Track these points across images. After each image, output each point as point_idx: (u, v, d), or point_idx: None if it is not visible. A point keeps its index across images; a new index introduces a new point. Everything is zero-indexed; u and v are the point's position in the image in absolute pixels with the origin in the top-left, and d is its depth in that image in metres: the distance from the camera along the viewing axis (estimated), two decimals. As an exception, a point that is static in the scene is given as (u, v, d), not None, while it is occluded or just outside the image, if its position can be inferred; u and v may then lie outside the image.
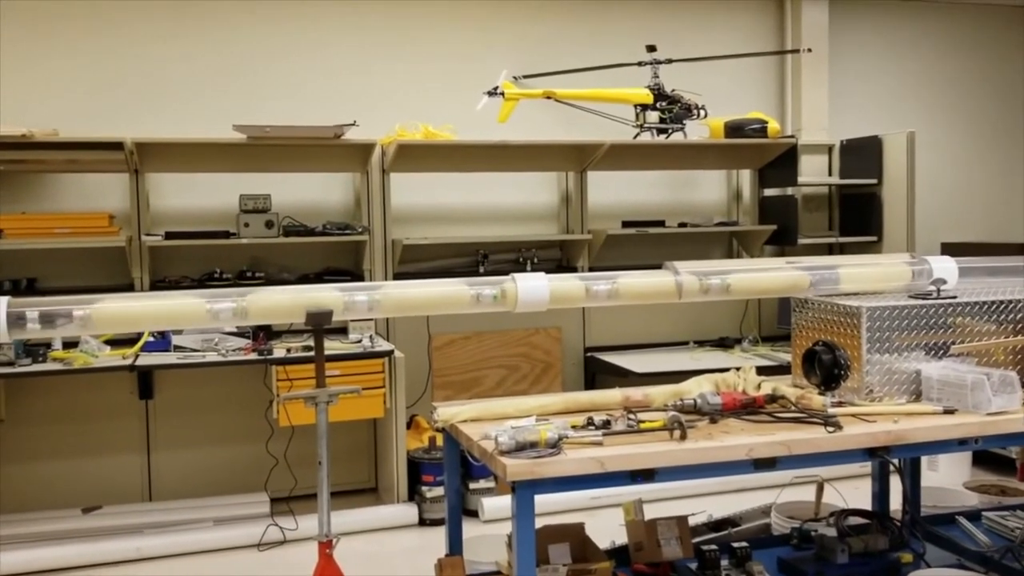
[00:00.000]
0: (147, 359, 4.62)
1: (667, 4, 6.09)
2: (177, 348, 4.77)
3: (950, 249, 5.89)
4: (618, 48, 5.78)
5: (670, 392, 3.07)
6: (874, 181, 6.13)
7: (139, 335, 4.69)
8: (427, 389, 5.59)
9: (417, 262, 5.53)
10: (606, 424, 2.72)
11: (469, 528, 3.51)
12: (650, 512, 3.52)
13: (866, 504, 3.92)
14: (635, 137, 5.55)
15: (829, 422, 2.71)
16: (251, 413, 5.08)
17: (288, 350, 4.71)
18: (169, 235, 4.98)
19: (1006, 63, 6.99)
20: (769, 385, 3.09)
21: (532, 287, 2.96)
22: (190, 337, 4.81)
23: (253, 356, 4.65)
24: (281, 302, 2.86)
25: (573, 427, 2.68)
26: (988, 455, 5.34)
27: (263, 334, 4.82)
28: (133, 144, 4.75)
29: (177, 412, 5.15)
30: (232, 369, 4.96)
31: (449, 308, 3.01)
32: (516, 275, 3.00)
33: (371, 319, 4.98)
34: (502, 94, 5.21)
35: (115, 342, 4.72)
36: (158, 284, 5.01)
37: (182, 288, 4.90)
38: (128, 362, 4.52)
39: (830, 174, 6.44)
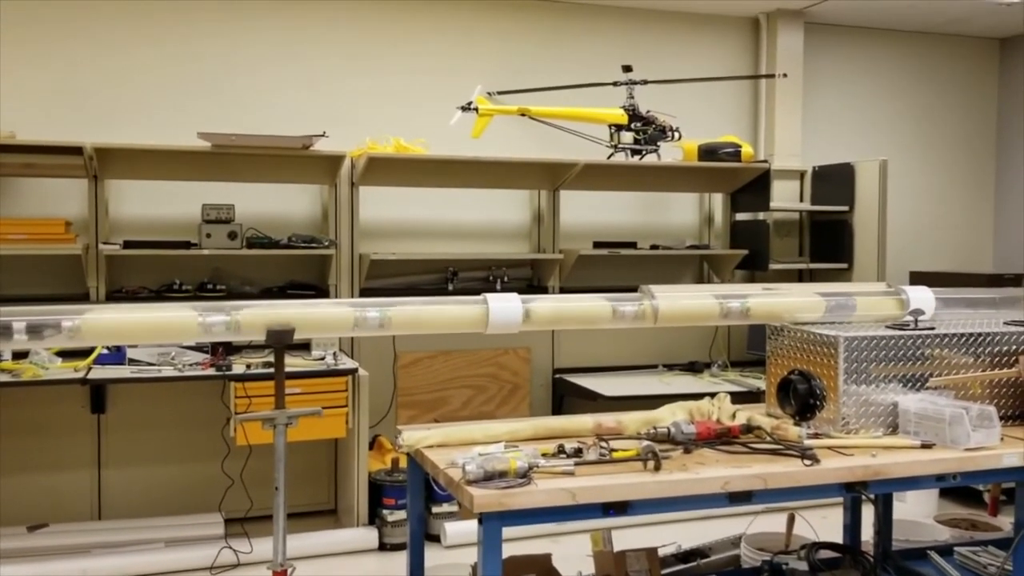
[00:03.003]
0: (100, 372, 4.44)
1: (643, 25, 6.05)
2: (132, 361, 4.59)
3: (919, 278, 5.92)
4: (594, 67, 5.74)
5: (643, 420, 2.98)
6: (846, 208, 6.12)
7: (92, 347, 4.52)
8: (391, 408, 5.45)
9: (384, 278, 5.40)
10: (578, 452, 2.62)
11: (431, 554, 3.40)
12: (617, 537, 3.42)
13: (834, 534, 3.86)
14: (609, 157, 5.49)
15: (806, 455, 2.64)
16: (207, 430, 4.91)
17: (248, 366, 4.56)
18: (128, 244, 4.81)
19: (978, 94, 7.03)
20: (744, 415, 3.01)
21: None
22: (146, 350, 4.64)
23: (211, 371, 4.49)
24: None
25: (543, 455, 2.58)
26: (956, 487, 5.29)
27: (222, 349, 4.66)
28: (93, 149, 4.58)
29: (130, 427, 4.97)
30: (188, 384, 4.79)
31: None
32: (488, 295, 2.90)
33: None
34: (476, 109, 5.14)
35: (67, 354, 4.52)
36: (115, 295, 4.84)
37: (139, 300, 4.76)
38: (80, 375, 4.35)
39: (802, 200, 6.42)
